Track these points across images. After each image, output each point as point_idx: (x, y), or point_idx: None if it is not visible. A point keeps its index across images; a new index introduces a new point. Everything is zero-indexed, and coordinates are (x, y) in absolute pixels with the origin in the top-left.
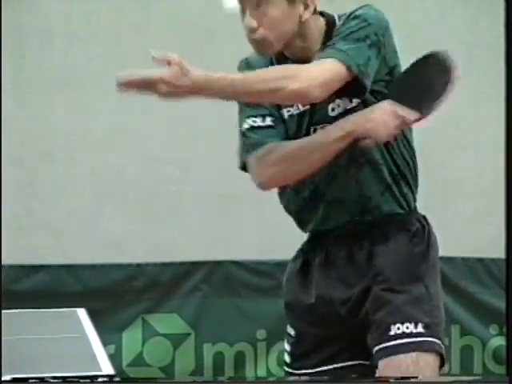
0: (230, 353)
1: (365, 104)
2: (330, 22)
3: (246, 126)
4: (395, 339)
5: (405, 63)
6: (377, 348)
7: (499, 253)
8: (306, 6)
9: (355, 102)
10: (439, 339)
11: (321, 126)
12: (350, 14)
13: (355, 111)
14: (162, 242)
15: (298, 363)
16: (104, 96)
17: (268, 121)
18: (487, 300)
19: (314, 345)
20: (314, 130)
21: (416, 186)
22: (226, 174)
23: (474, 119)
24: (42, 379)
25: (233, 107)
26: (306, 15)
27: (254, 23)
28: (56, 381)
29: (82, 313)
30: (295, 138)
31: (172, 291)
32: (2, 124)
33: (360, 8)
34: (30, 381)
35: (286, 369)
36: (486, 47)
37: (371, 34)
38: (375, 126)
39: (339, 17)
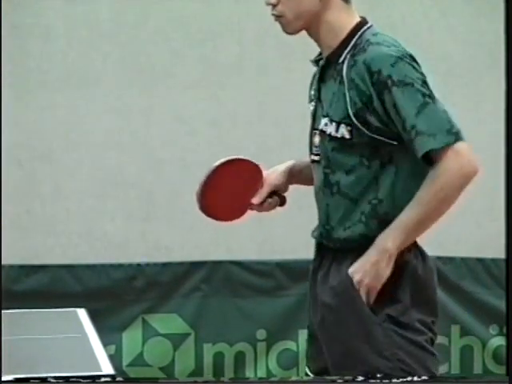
0: (230, 353)
1: (349, 140)
2: (359, 26)
3: None
4: None
5: None
6: None
7: (499, 253)
8: None
9: (340, 133)
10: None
11: (317, 131)
12: (365, 49)
13: (334, 141)
14: (161, 242)
15: (309, 364)
16: (104, 96)
17: None
18: (487, 300)
19: (319, 347)
20: (314, 134)
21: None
22: None
23: (473, 119)
24: (42, 379)
25: (232, 108)
26: None
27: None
28: (56, 381)
29: (82, 313)
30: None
31: (172, 291)
32: (2, 124)
33: (381, 58)
34: (33, 381)
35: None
36: (486, 47)
37: (423, 89)
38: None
39: (363, 33)
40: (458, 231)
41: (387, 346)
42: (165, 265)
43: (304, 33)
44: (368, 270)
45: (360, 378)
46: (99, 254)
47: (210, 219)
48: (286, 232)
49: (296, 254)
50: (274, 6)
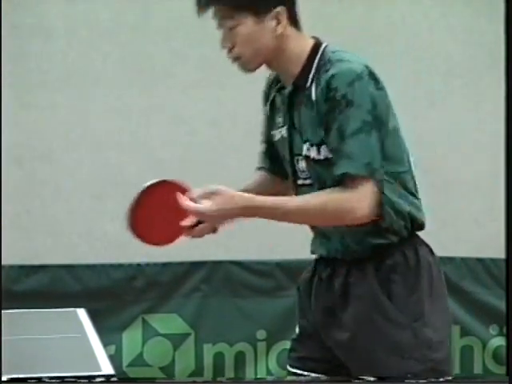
0: (230, 353)
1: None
2: (316, 48)
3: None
4: None
5: (405, 63)
6: None
7: (499, 253)
8: (278, 21)
9: (323, 155)
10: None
11: (301, 157)
12: (330, 68)
13: (320, 163)
14: None
15: (294, 361)
16: (104, 96)
17: (263, 147)
18: (487, 300)
19: (311, 352)
20: (297, 160)
21: (408, 221)
22: (225, 174)
23: (473, 119)
24: (41, 379)
25: (232, 108)
26: (280, 30)
27: (229, 43)
28: (56, 381)
29: (82, 313)
30: (287, 160)
31: (172, 291)
32: (2, 124)
33: (341, 76)
34: (30, 381)
35: (288, 366)
36: (486, 47)
37: (365, 116)
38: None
39: (324, 52)
40: (458, 231)
41: (417, 347)
42: (165, 265)
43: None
44: (221, 216)
45: (361, 378)
46: (99, 254)
47: None
48: (286, 232)
49: (296, 254)
50: (230, 49)
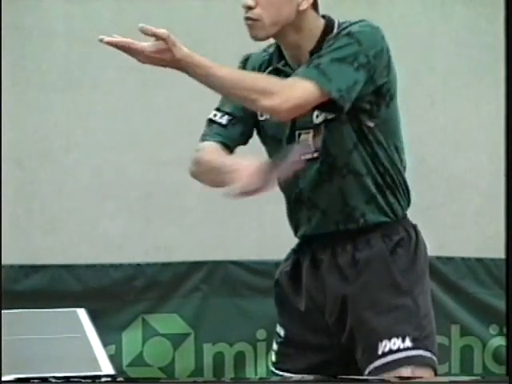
0: (230, 353)
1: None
2: (329, 26)
3: (210, 115)
4: (383, 357)
5: (405, 63)
6: (367, 371)
7: (499, 253)
8: None
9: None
10: (430, 351)
11: (306, 131)
12: (347, 27)
13: (335, 121)
14: (162, 242)
15: (284, 365)
16: (104, 96)
17: (224, 119)
18: (487, 300)
19: (302, 349)
20: (299, 135)
21: (405, 196)
22: None
23: (473, 119)
24: (41, 379)
25: None
26: (304, 5)
27: (252, 2)
28: (56, 381)
29: (82, 313)
30: (279, 139)
31: (172, 291)
32: (2, 124)
33: (357, 23)
34: (30, 381)
35: (272, 368)
36: (486, 47)
37: (360, 56)
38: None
39: (339, 24)
40: (458, 231)
41: (415, 314)
42: (165, 265)
43: None
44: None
45: (361, 378)
46: (99, 254)
47: (209, 219)
48: (285, 232)
49: None
50: (250, 8)
